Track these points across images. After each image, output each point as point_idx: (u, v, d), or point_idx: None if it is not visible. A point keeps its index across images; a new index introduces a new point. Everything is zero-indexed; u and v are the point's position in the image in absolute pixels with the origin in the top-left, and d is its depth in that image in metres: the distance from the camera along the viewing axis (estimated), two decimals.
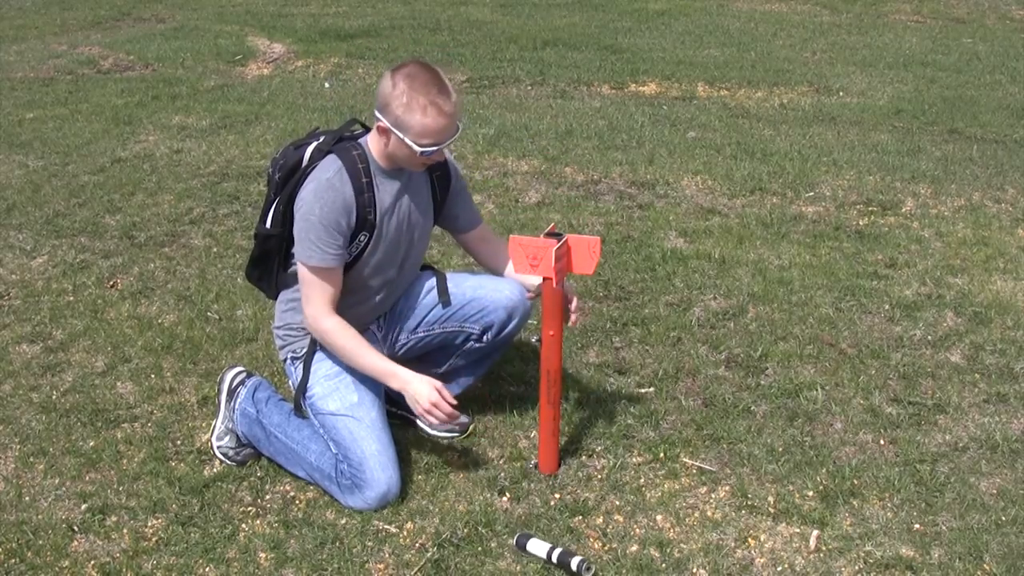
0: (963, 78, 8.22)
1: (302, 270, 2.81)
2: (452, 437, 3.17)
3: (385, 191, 2.85)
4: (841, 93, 7.73)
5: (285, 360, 3.08)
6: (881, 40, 9.80)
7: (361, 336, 2.86)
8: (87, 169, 5.84)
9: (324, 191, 2.74)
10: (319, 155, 2.83)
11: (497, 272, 3.14)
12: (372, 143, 2.83)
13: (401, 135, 2.70)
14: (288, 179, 2.84)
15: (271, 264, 2.98)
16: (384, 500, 2.83)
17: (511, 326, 3.05)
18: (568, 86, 8.07)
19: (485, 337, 3.06)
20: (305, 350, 3.00)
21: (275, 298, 3.07)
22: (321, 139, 2.88)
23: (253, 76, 8.60)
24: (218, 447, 3.09)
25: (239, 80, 8.41)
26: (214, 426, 3.14)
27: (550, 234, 2.82)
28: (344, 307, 2.88)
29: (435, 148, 2.72)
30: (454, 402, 2.79)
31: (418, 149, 2.70)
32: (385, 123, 2.71)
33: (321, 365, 2.97)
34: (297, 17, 11.23)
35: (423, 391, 2.76)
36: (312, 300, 2.82)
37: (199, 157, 6.03)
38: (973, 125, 6.74)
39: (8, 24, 11.18)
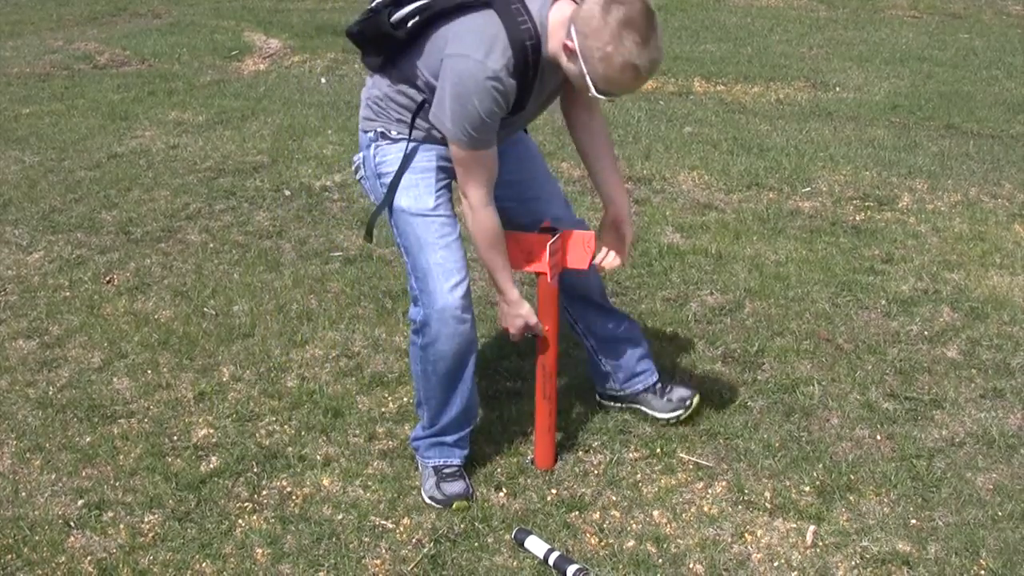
0: (960, 73, 8.22)
1: (457, 151, 2.56)
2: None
3: (542, 80, 2.59)
4: (837, 88, 7.72)
5: (368, 132, 2.78)
6: (877, 35, 9.80)
7: (504, 243, 2.72)
8: (83, 165, 5.83)
9: (488, 86, 2.45)
10: (484, 9, 2.49)
11: (582, 142, 2.94)
12: (552, 31, 2.50)
13: (584, 69, 2.43)
14: None
15: (390, 51, 2.66)
16: (442, 314, 2.69)
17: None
18: None
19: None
20: (404, 137, 2.72)
21: (376, 69, 2.74)
22: None
23: (249, 72, 8.59)
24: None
25: (235, 76, 8.40)
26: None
27: (544, 229, 2.82)
28: None
29: (611, 97, 2.53)
30: (539, 333, 2.84)
31: (592, 91, 2.46)
32: (574, 43, 2.42)
33: (418, 155, 2.72)
34: (293, 13, 11.21)
35: (517, 321, 2.80)
36: (473, 181, 2.59)
37: (195, 153, 6.02)
38: (970, 120, 6.74)
39: (4, 19, 11.15)
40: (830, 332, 3.78)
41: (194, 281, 4.29)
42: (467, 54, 2.46)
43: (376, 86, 2.77)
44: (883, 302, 4.01)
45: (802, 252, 4.48)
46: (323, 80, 8.23)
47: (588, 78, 2.44)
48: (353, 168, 2.89)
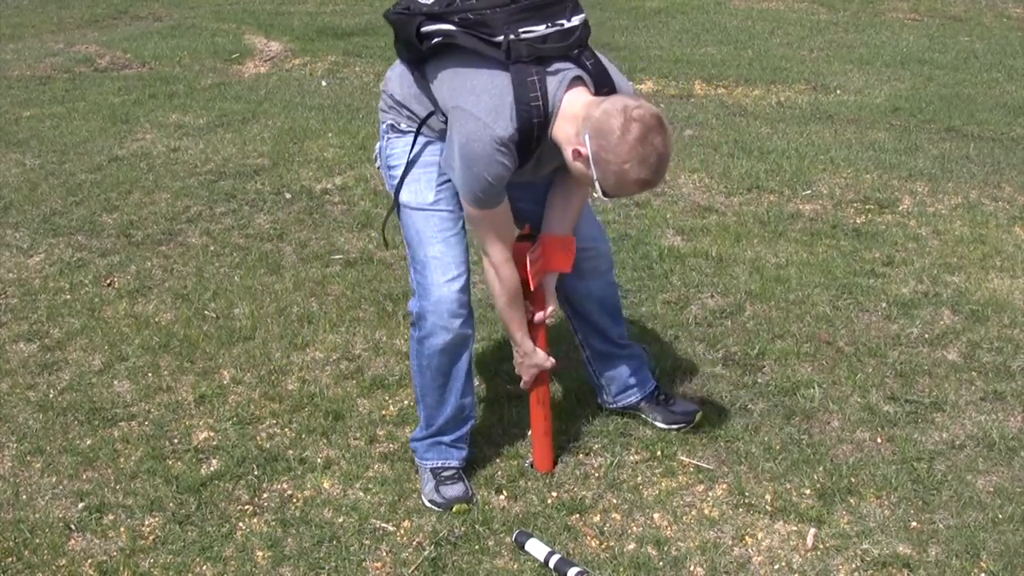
0: (960, 76, 8.22)
1: (469, 209, 2.62)
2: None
3: (539, 157, 2.62)
4: (838, 91, 7.73)
5: (383, 123, 2.84)
6: (878, 38, 9.80)
7: (522, 296, 2.77)
8: (84, 167, 5.83)
9: (493, 151, 2.47)
10: (502, 68, 2.48)
11: (551, 205, 2.87)
12: (561, 117, 2.49)
13: (593, 174, 2.44)
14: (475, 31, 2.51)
15: (415, 55, 2.67)
16: (437, 306, 2.70)
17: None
18: None
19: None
20: (413, 131, 2.75)
21: (406, 62, 2.74)
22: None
23: (250, 74, 8.59)
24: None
25: (236, 78, 8.40)
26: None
27: (523, 236, 2.82)
28: None
29: (610, 199, 2.56)
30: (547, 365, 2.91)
31: (597, 192, 2.48)
32: (587, 150, 2.42)
33: (425, 149, 2.75)
34: (294, 15, 11.21)
35: (532, 371, 2.89)
36: (489, 238, 2.65)
37: (196, 155, 6.02)
38: (970, 123, 6.74)
39: (5, 22, 11.16)
40: (831, 335, 3.78)
41: (195, 284, 4.29)
42: (477, 115, 2.48)
43: (400, 81, 2.77)
44: (884, 305, 4.01)
45: (803, 255, 4.48)
46: (324, 83, 8.23)
47: (598, 184, 2.45)
48: (373, 156, 2.93)
